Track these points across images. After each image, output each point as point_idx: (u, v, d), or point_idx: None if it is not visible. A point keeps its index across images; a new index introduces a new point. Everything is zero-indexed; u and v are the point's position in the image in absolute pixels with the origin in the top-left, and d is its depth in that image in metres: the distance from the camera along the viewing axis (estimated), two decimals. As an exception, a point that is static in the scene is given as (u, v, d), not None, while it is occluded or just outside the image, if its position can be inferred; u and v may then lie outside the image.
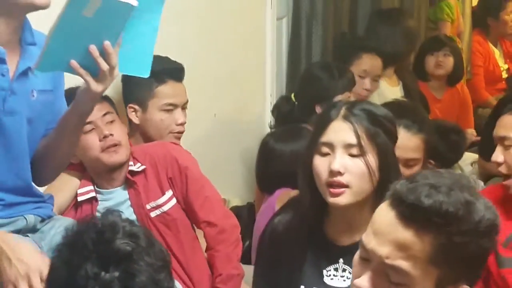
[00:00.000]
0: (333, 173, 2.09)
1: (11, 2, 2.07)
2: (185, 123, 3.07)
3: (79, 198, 2.70)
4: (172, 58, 3.10)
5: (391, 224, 1.52)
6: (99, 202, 2.72)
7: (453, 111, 4.95)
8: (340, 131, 2.12)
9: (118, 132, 2.69)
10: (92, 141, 2.64)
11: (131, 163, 2.74)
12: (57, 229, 2.25)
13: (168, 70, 2.98)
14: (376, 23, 4.53)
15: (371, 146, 2.11)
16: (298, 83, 4.01)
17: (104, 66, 2.04)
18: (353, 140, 2.11)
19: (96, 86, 2.07)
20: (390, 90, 4.34)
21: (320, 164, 2.12)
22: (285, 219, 2.25)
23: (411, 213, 1.50)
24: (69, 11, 1.94)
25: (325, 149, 2.12)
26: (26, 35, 2.16)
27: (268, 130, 4.18)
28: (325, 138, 2.13)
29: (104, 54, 2.04)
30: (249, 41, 4.11)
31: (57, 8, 2.02)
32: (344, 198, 2.10)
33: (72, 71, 2.05)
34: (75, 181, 2.72)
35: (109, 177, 2.73)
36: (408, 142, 2.59)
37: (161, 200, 2.75)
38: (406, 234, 1.50)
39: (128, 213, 2.73)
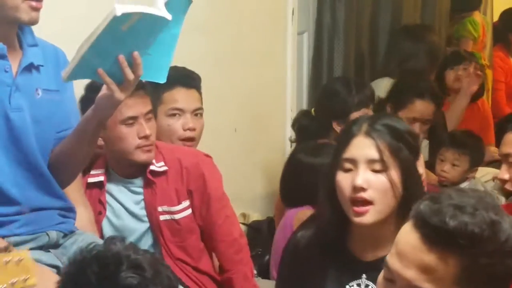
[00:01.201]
0: (356, 189, 2.09)
1: (0, 12, 2.09)
2: (194, 129, 3.02)
3: (89, 180, 2.69)
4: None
5: (415, 247, 1.50)
6: (111, 189, 2.71)
7: (473, 127, 4.92)
8: (363, 147, 2.12)
9: (154, 132, 2.69)
10: (131, 135, 2.62)
11: (153, 160, 2.72)
12: (79, 243, 2.25)
13: (176, 76, 2.96)
14: (400, 39, 4.51)
15: (394, 161, 2.11)
16: (317, 97, 4.01)
17: (130, 76, 2.07)
18: (375, 155, 2.10)
19: (119, 95, 2.09)
20: None
21: (343, 180, 2.12)
22: (307, 235, 2.24)
23: (435, 235, 1.48)
24: (110, 26, 1.96)
25: (347, 165, 2.12)
26: (27, 38, 2.19)
27: (288, 144, 4.18)
28: (348, 154, 2.13)
29: (131, 63, 2.06)
30: (270, 56, 4.12)
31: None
32: (368, 217, 2.10)
33: (98, 78, 2.07)
34: None
35: (128, 171, 2.72)
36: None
37: (175, 208, 2.73)
38: (430, 257, 1.48)
39: (138, 208, 2.72)
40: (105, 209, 2.71)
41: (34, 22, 2.13)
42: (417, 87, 4.00)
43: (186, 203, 2.75)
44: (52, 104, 2.23)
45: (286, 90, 4.26)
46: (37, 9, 2.10)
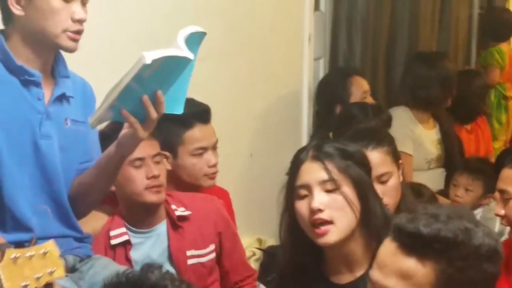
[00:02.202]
0: (313, 211, 2.14)
1: (40, 38, 2.17)
2: (217, 163, 3.05)
3: (112, 242, 2.65)
4: (208, 99, 3.09)
5: (393, 255, 1.56)
6: (135, 244, 2.68)
7: (482, 139, 4.93)
8: (312, 171, 2.18)
9: (163, 174, 2.69)
10: (139, 176, 2.62)
11: (173, 206, 2.73)
12: (96, 268, 2.28)
13: (194, 113, 2.96)
14: (414, 65, 4.50)
15: (345, 179, 2.16)
16: (335, 121, 4.02)
17: (154, 114, 2.10)
18: (325, 176, 2.16)
19: (142, 133, 2.13)
20: (425, 134, 4.30)
21: (301, 206, 2.18)
22: (283, 270, 2.31)
23: (411, 241, 1.53)
24: (138, 73, 1.99)
25: (302, 192, 2.18)
26: (61, 69, 2.26)
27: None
28: (300, 181, 2.19)
29: (153, 102, 2.09)
30: (286, 81, 4.14)
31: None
32: (331, 236, 2.14)
33: (121, 118, 2.11)
34: (102, 215, 2.71)
35: (142, 216, 2.70)
36: (371, 159, 2.55)
37: (202, 252, 2.75)
38: (408, 263, 1.53)
39: (164, 257, 2.71)
40: (132, 266, 2.67)
41: (73, 50, 2.20)
42: (341, 73, 4.22)
43: (212, 246, 2.78)
44: (78, 134, 2.28)
45: (302, 115, 4.28)
46: (75, 40, 2.18)
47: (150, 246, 2.70)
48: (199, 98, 2.99)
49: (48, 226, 2.21)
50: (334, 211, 2.14)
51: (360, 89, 4.07)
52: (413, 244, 1.53)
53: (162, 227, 2.72)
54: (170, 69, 2.06)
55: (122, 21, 3.04)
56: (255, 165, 3.89)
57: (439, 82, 4.35)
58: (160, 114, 2.11)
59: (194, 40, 2.11)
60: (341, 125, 3.79)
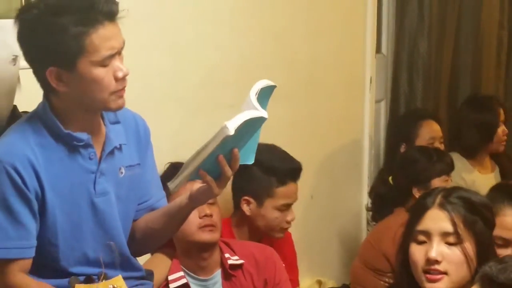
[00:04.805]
0: (430, 261, 2.10)
1: (89, 106, 2.11)
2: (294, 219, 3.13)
3: (171, 286, 2.69)
4: (269, 140, 3.07)
5: None
6: None
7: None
8: (437, 220, 2.14)
9: (217, 215, 2.72)
10: (192, 216, 2.59)
11: (227, 254, 2.76)
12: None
13: (291, 172, 3.07)
14: (460, 110, 4.39)
15: (469, 234, 2.12)
16: (396, 164, 4.00)
17: (229, 172, 2.11)
18: (449, 228, 2.12)
19: (217, 190, 2.14)
20: (482, 178, 4.19)
21: (417, 252, 2.14)
22: None
23: None
24: (218, 146, 2.02)
25: (421, 237, 2.14)
26: (110, 115, 2.20)
27: (364, 212, 4.17)
28: (422, 226, 2.15)
29: (229, 159, 2.10)
30: (347, 123, 4.15)
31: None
32: (441, 285, 2.11)
33: (198, 177, 2.13)
34: (168, 261, 2.75)
35: (197, 258, 2.72)
36: (510, 221, 2.49)
37: None
38: None
39: None
40: None
41: (122, 107, 2.14)
42: (416, 114, 4.16)
43: None
44: (134, 179, 2.25)
45: (363, 157, 4.28)
46: (122, 96, 2.12)
47: None
48: (260, 140, 3.02)
49: (110, 275, 2.20)
50: (451, 264, 2.11)
51: (428, 133, 4.01)
52: None
53: (217, 277, 2.75)
54: (247, 129, 2.07)
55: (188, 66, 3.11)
56: (316, 207, 3.90)
57: (476, 129, 4.21)
58: (234, 170, 2.12)
59: (264, 94, 2.12)
60: (402, 169, 3.78)
